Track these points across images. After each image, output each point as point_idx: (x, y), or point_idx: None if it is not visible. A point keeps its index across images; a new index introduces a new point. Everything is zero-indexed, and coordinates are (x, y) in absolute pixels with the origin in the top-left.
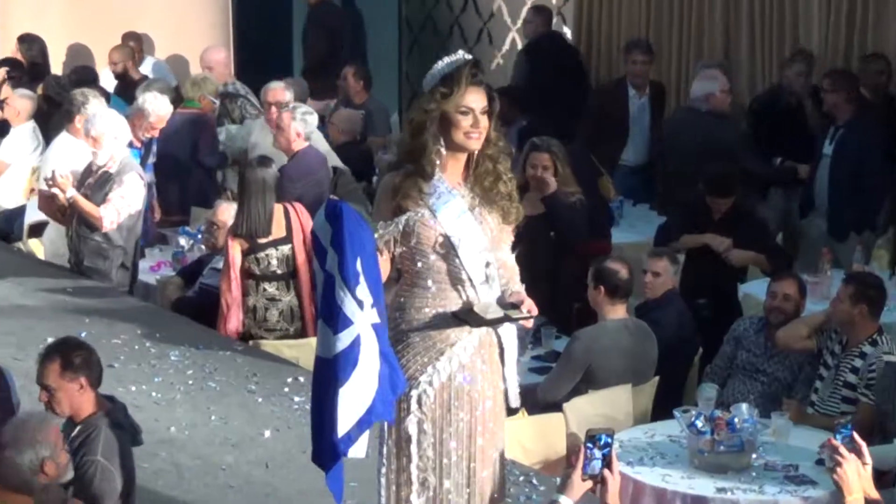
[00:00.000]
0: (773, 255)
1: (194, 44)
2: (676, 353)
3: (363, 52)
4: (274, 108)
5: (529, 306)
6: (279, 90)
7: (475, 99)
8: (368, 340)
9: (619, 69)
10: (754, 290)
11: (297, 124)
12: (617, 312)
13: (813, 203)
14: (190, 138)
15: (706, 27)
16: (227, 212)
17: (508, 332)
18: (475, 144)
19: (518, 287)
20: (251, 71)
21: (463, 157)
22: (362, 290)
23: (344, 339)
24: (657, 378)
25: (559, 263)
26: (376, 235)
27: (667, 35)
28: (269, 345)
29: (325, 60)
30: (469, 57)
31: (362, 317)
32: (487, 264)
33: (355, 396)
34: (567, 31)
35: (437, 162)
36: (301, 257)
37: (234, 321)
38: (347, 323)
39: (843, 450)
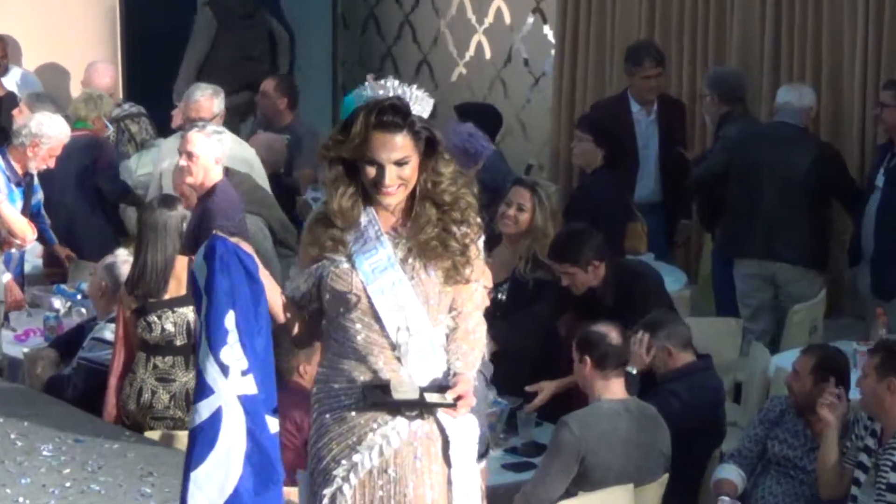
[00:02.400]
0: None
1: (73, 51)
2: (694, 442)
3: (291, 60)
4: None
5: (461, 392)
6: (205, 99)
7: (384, 147)
8: (233, 416)
9: (612, 80)
10: (787, 362)
11: (215, 146)
12: (612, 390)
13: (860, 250)
14: (79, 165)
15: (725, 28)
16: (114, 267)
17: (461, 419)
18: (390, 200)
19: (464, 367)
20: (140, 89)
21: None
22: (230, 353)
23: (202, 411)
24: (666, 476)
25: (547, 332)
26: (287, 288)
27: (676, 38)
28: (167, 435)
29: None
30: (384, 94)
31: (226, 386)
32: (399, 329)
33: (209, 483)
34: (547, 32)
35: (349, 211)
36: None
37: (110, 403)
38: (207, 391)
39: None
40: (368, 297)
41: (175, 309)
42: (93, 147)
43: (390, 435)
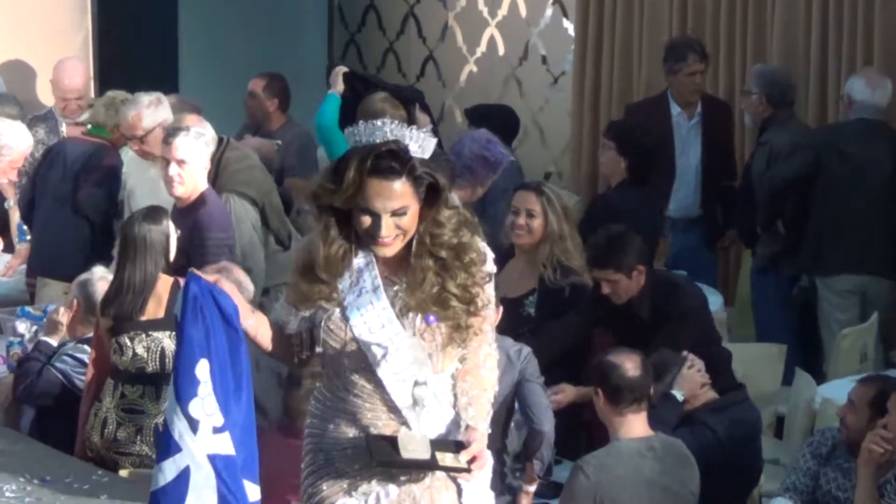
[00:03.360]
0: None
1: (39, 46)
2: (728, 481)
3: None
4: (159, 131)
5: (475, 453)
6: (134, 116)
7: (381, 196)
8: (203, 478)
9: (640, 79)
10: (835, 392)
11: (201, 151)
12: (632, 428)
13: None
14: (71, 172)
15: (765, 20)
16: (88, 284)
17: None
18: (386, 251)
19: (477, 417)
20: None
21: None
22: (201, 406)
23: (166, 472)
24: None
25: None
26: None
27: (711, 33)
28: (140, 475)
29: None
30: (380, 136)
31: (195, 443)
32: (417, 384)
33: None
34: (567, 26)
35: (337, 261)
36: None
37: (82, 434)
38: (173, 449)
39: None
40: (364, 352)
41: (150, 333)
42: (98, 156)
43: (390, 487)
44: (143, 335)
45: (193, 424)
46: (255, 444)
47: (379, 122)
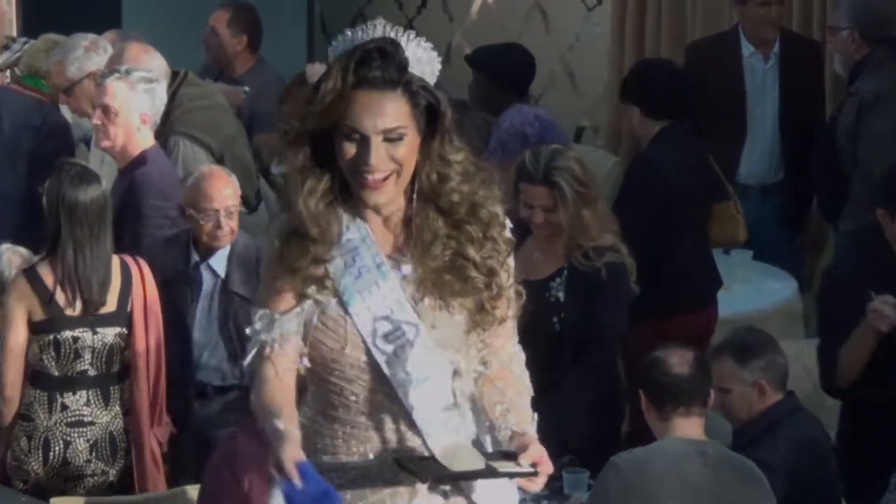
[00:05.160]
0: None
1: None
2: None
3: None
4: (87, 81)
5: (536, 458)
6: (59, 62)
7: (369, 110)
8: None
9: (695, 8)
10: None
11: (141, 99)
12: (678, 429)
13: None
14: (34, 137)
15: None
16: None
17: (495, 493)
18: (377, 197)
19: (521, 421)
20: (41, 21)
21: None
22: None
23: None
24: None
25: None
26: (252, 334)
27: None
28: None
29: None
30: (372, 34)
31: None
32: (455, 373)
33: None
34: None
35: (320, 216)
36: (140, 346)
37: None
38: None
39: None
40: (369, 353)
41: (97, 329)
42: (41, 113)
43: None
44: (89, 332)
45: None
46: None
47: (369, 25)
